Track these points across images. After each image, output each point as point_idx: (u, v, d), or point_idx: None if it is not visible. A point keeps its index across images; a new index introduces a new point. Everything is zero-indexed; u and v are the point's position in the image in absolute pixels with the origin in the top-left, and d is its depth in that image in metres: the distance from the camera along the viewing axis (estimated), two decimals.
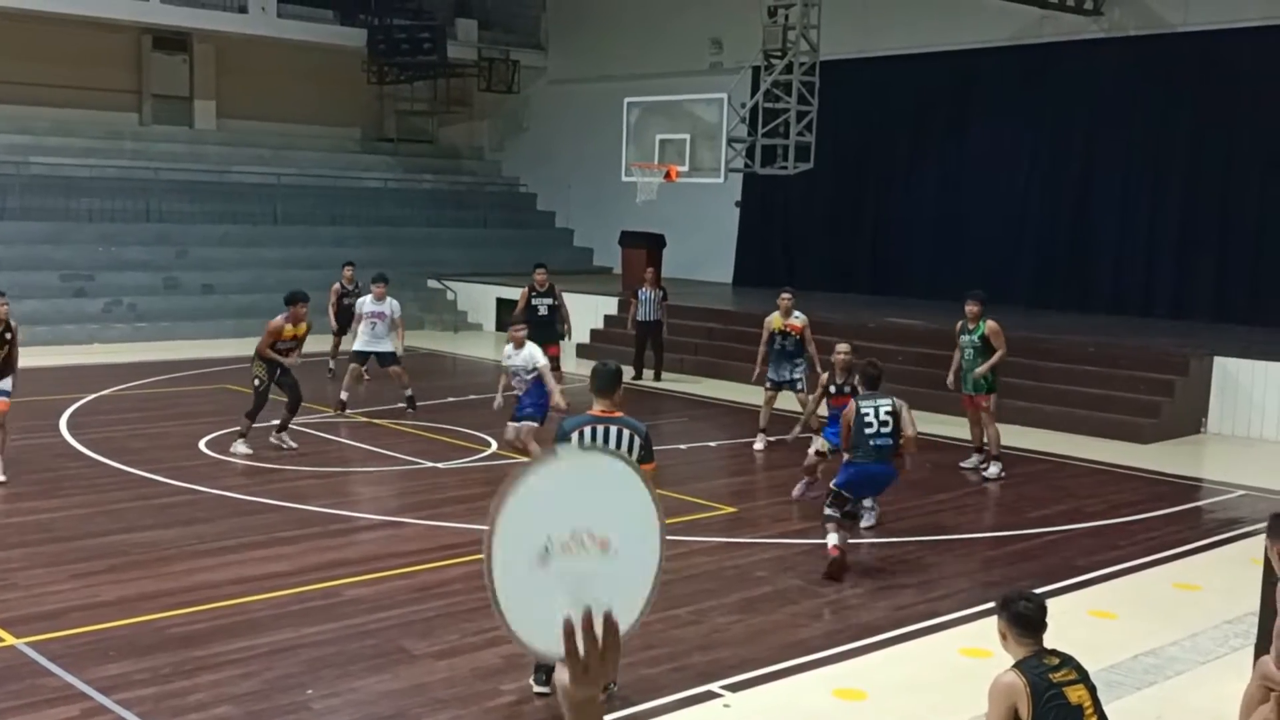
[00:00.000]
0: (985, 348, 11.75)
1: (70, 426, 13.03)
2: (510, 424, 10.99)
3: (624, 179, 18.57)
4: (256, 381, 12.00)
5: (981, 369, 11.73)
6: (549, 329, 15.18)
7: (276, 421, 12.17)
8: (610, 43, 26.40)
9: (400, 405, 14.25)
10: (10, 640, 6.90)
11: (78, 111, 24.38)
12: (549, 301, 15.37)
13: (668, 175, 17.55)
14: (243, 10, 24.55)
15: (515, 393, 11.03)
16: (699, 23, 24.35)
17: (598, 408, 6.33)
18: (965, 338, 11.94)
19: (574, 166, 27.15)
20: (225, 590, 7.85)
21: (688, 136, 17.46)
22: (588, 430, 6.21)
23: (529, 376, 10.82)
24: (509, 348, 11.06)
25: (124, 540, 8.92)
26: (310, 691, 6.35)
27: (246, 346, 18.94)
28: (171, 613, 7.42)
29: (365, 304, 14.34)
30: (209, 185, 24.19)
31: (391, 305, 14.36)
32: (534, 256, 26.48)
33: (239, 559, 8.57)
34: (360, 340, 14.37)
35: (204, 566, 8.36)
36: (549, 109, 28.52)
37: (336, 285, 16.83)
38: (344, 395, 14.04)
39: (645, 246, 20.43)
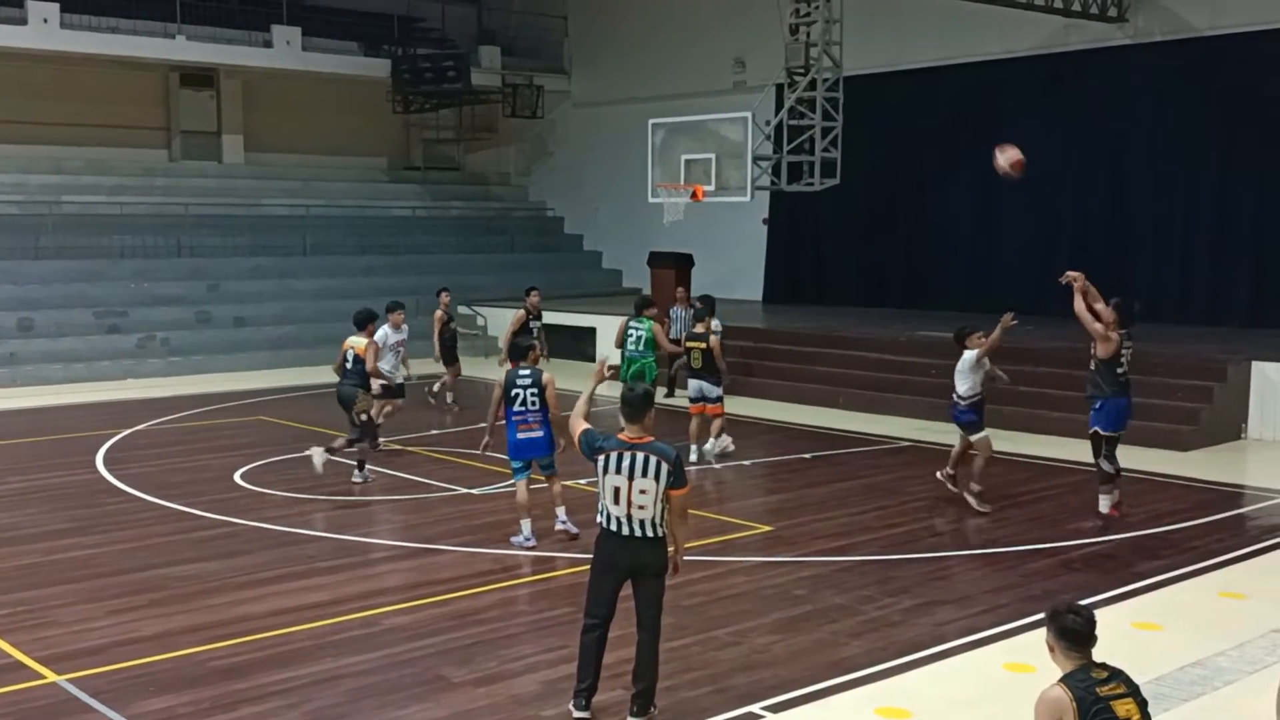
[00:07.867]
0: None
1: (107, 462, 13.12)
2: None
3: (650, 200, 18.58)
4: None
5: None
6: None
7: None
8: (633, 65, 26.50)
9: (433, 432, 14.20)
10: (52, 677, 6.94)
11: (109, 150, 24.75)
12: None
13: (694, 195, 17.54)
14: (268, 45, 24.81)
15: None
16: (722, 43, 24.41)
17: (628, 433, 6.27)
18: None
19: (601, 189, 27.23)
20: (266, 622, 7.88)
21: (713, 156, 17.45)
22: (614, 456, 6.18)
23: None
24: None
25: (164, 574, 8.97)
26: None
27: (279, 378, 19.33)
28: (213, 645, 7.45)
29: (389, 334, 13.59)
30: (239, 219, 24.45)
31: (405, 331, 14.00)
32: (563, 280, 26.82)
33: (278, 590, 8.60)
34: (389, 370, 13.63)
35: (244, 599, 8.39)
36: (574, 132, 28.64)
37: (439, 313, 16.91)
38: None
39: (674, 266, 20.41)
